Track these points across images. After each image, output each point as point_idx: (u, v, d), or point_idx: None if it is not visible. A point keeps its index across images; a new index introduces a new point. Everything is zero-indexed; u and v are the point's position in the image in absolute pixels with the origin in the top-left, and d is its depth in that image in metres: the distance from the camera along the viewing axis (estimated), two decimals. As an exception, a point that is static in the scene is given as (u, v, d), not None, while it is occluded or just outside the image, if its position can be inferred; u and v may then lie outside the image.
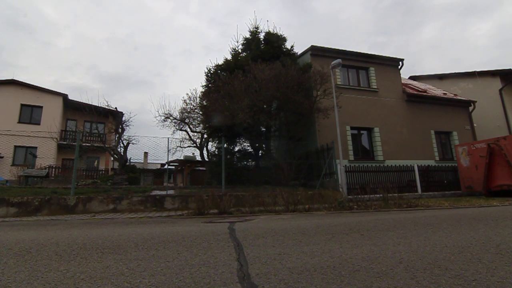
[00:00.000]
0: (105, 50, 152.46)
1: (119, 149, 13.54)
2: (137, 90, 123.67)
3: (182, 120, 14.95)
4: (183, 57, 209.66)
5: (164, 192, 8.74)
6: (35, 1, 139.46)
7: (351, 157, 13.07)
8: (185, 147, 15.83)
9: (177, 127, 15.16)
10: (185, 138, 15.63)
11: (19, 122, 19.30)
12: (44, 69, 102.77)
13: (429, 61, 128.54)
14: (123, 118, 14.59)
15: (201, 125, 14.68)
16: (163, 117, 14.75)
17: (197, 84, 36.35)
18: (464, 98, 17.01)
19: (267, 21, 64.88)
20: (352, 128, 13.63)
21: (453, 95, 17.58)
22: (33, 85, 20.33)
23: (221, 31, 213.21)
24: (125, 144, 13.25)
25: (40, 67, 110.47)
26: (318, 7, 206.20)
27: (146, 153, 14.34)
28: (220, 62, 13.62)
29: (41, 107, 20.10)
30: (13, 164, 17.78)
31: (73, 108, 20.44)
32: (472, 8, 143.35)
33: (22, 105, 19.74)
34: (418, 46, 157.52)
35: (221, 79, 11.58)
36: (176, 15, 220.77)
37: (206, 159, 15.23)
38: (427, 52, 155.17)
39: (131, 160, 14.64)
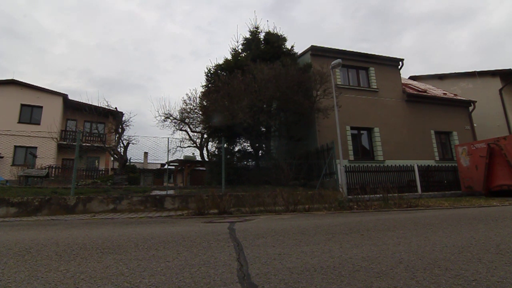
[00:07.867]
0: (98, 56, 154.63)
1: (119, 149, 13.54)
2: (131, 93, 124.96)
3: (182, 120, 14.94)
4: (173, 62, 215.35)
5: (164, 192, 8.73)
6: (32, 11, 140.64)
7: (351, 157, 13.07)
8: (185, 147, 15.81)
9: (177, 127, 15.16)
10: (185, 138, 15.62)
11: (19, 122, 19.29)
12: (40, 74, 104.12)
13: (413, 66, 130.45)
14: (123, 118, 14.60)
15: (201, 125, 14.67)
16: (163, 117, 14.75)
17: (189, 86, 36.79)
18: (464, 98, 17.02)
19: (267, 21, 64.91)
20: (352, 128, 13.63)
21: (453, 95, 17.59)
22: (33, 85, 20.31)
23: (207, 38, 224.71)
24: (125, 144, 13.25)
25: (37, 72, 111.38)
26: (298, 17, 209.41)
27: (146, 153, 14.38)
28: (220, 62, 13.65)
29: (41, 107, 20.10)
30: (13, 164, 17.77)
31: (73, 108, 20.46)
32: (448, 17, 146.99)
33: (22, 105, 19.74)
34: (400, 52, 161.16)
35: (220, 79, 11.57)
36: (164, 24, 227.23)
37: (206, 159, 15.22)
38: (410, 58, 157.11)
39: (131, 160, 14.65)
